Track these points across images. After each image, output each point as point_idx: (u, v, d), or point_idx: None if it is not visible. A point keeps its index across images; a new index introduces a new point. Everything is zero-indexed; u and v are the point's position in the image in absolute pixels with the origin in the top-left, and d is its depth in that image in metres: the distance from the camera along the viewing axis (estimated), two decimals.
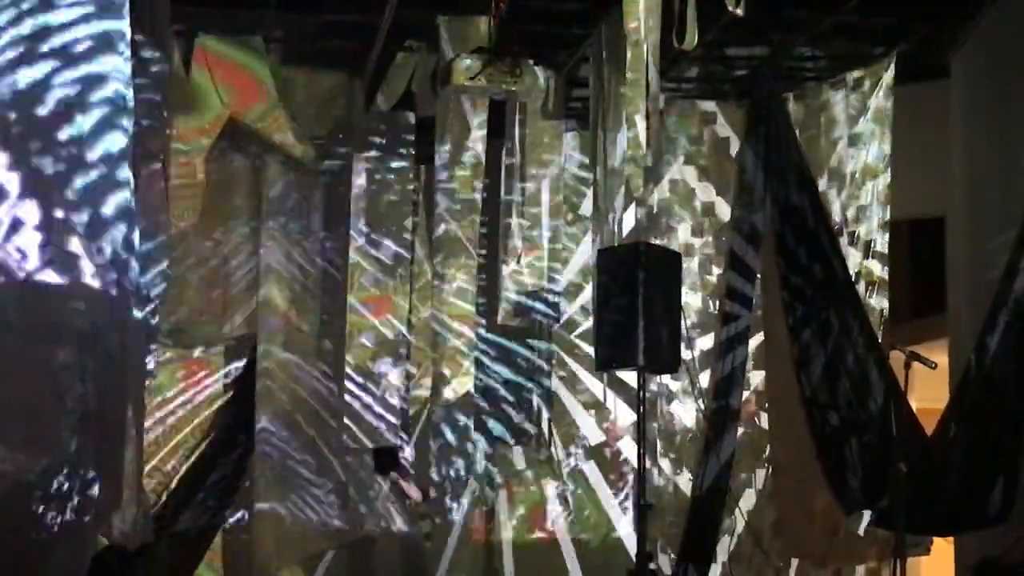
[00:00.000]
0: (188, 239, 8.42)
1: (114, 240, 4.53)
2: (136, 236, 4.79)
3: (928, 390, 8.68)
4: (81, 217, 4.43)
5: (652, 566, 7.05)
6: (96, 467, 4.34)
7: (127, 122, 4.69)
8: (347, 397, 8.48)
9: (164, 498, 8.37)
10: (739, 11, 6.26)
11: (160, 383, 8.48)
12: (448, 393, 8.55)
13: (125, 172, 4.65)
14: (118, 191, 4.58)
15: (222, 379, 8.70)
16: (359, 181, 8.57)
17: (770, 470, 8.82)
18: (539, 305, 8.71)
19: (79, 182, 4.49)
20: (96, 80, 4.62)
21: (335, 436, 8.58)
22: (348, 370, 8.50)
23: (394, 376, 8.61)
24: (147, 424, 8.29)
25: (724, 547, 8.60)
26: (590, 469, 9.07)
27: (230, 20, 8.17)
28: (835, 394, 7.97)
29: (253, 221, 8.70)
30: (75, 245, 4.41)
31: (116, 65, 4.68)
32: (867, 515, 7.54)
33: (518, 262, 8.69)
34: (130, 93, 4.75)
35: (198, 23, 8.15)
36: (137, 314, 4.82)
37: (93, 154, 4.53)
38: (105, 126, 4.60)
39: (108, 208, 4.51)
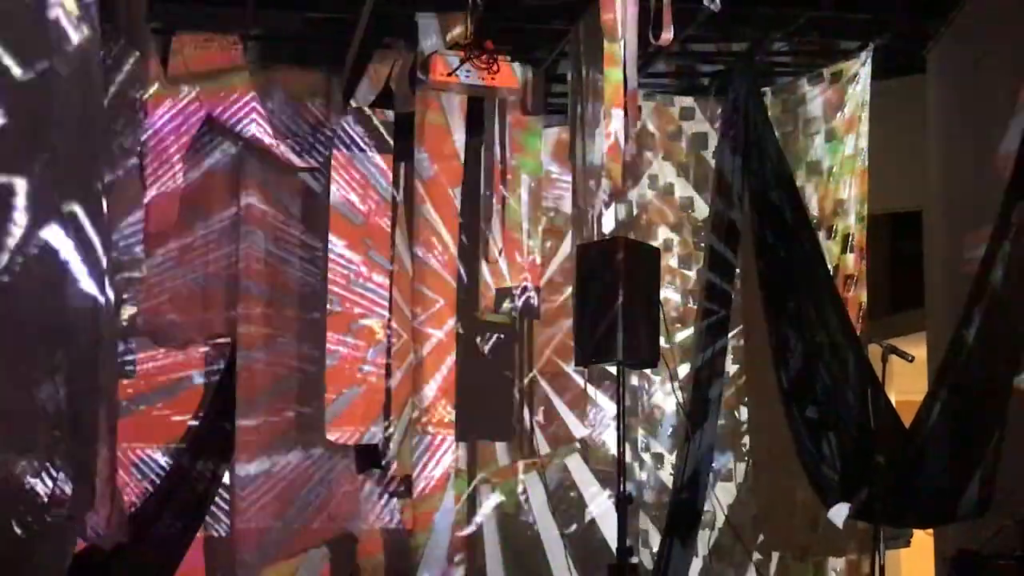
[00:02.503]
0: (166, 237, 8.40)
1: (86, 238, 4.52)
2: (108, 234, 4.78)
3: (906, 383, 8.73)
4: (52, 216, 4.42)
5: (633, 560, 7.07)
6: (69, 466, 4.33)
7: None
8: (328, 395, 8.48)
9: (144, 499, 8.36)
10: (715, 6, 6.28)
11: (138, 383, 8.47)
12: (430, 389, 8.56)
13: (98, 170, 4.64)
14: (90, 189, 4.57)
15: (202, 380, 8.69)
16: (338, 179, 8.57)
17: (750, 463, 8.85)
18: (519, 301, 8.73)
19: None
20: None
21: (317, 434, 8.57)
22: (328, 367, 8.50)
23: (375, 372, 8.60)
24: (126, 424, 8.30)
25: (704, 540, 8.64)
26: (572, 463, 9.08)
27: (208, 18, 8.17)
28: (813, 388, 7.99)
29: (231, 219, 8.69)
30: (46, 244, 4.39)
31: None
32: (846, 507, 7.57)
33: (498, 258, 8.71)
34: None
35: (176, 21, 8.15)
36: (109, 311, 4.80)
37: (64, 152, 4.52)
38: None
39: (80, 206, 4.49)
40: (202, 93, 8.26)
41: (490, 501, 9.09)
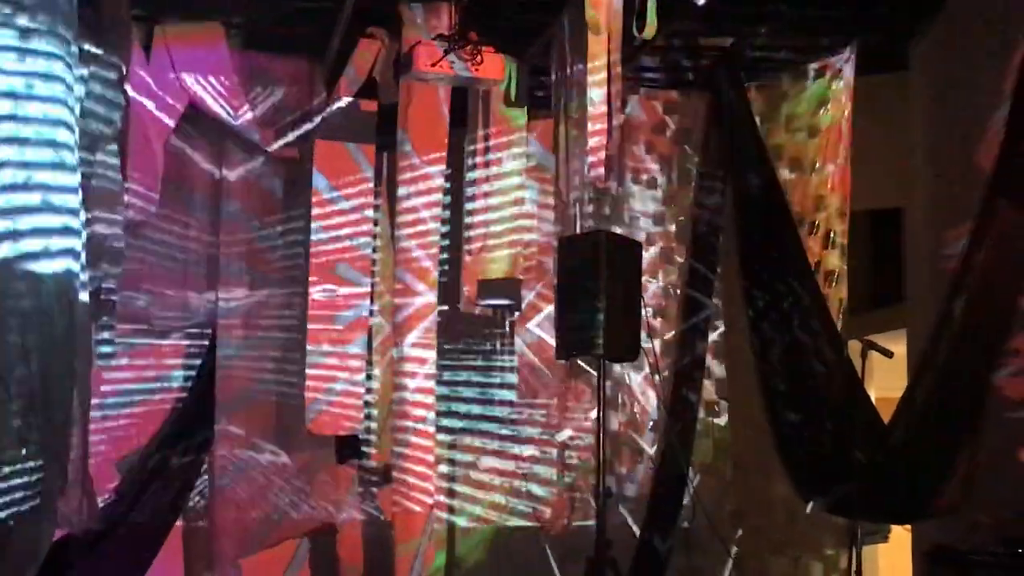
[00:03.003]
0: (147, 224, 8.37)
1: (61, 221, 4.50)
2: (83, 217, 4.76)
3: (887, 379, 8.75)
4: (26, 199, 4.40)
5: (612, 554, 7.08)
6: (41, 451, 4.31)
7: (74, 105, 4.66)
8: (309, 384, 8.46)
9: (122, 489, 8.32)
10: (700, 1, 6.28)
11: (118, 369, 8.44)
12: (411, 380, 8.54)
13: (73, 155, 4.62)
14: (65, 173, 4.55)
15: (181, 367, 8.66)
16: (320, 168, 8.55)
17: (729, 458, 8.87)
18: (500, 293, 8.72)
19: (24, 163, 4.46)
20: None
21: (298, 425, 8.56)
22: (310, 357, 8.49)
23: (357, 362, 8.59)
24: (104, 411, 8.29)
25: (683, 535, 8.64)
26: (551, 456, 9.07)
27: (190, 5, 8.13)
28: (794, 383, 8.01)
29: (213, 206, 8.66)
30: (19, 226, 4.37)
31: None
32: (825, 503, 7.59)
33: (480, 250, 8.70)
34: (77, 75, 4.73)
35: (158, 8, 8.11)
36: (84, 297, 4.79)
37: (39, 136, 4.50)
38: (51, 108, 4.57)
39: (55, 190, 4.47)
40: (184, 80, 8.22)
41: (470, 493, 9.08)
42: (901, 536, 8.31)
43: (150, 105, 8.14)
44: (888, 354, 6.92)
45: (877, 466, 7.04)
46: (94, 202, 6.99)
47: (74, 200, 4.74)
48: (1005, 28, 7.20)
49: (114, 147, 7.35)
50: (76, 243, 4.67)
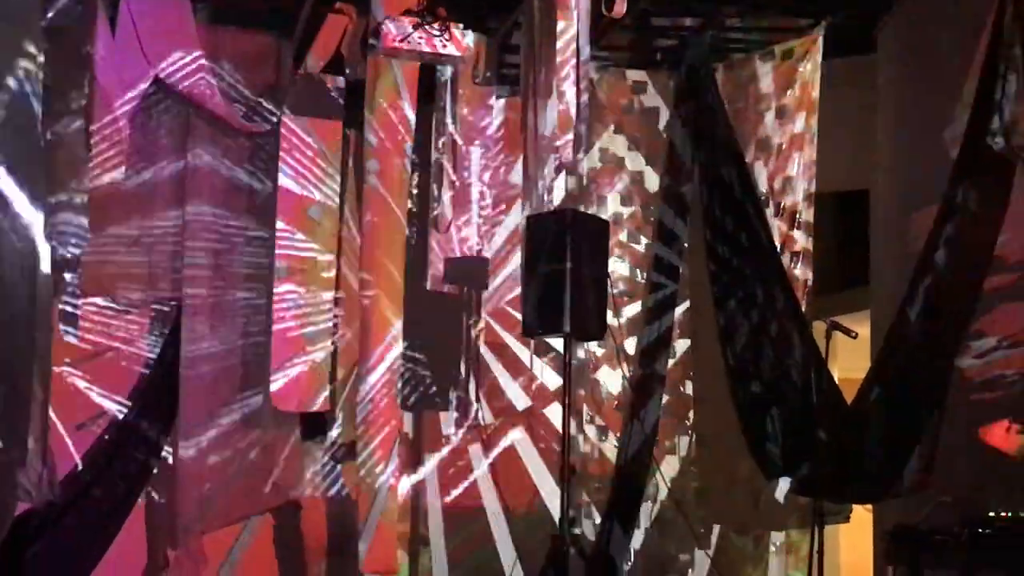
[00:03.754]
0: (114, 199, 8.30)
1: (21, 195, 4.46)
2: (43, 191, 4.73)
3: (851, 360, 8.79)
4: None
5: (576, 531, 7.11)
6: (1, 424, 4.28)
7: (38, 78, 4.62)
8: (274, 361, 8.44)
9: (84, 463, 8.27)
10: None
11: (82, 344, 8.38)
12: (375, 357, 8.54)
13: (37, 128, 4.58)
14: (29, 146, 4.51)
15: (145, 341, 8.61)
16: (287, 144, 8.51)
17: (693, 437, 8.90)
18: (467, 271, 8.71)
19: None
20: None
21: (262, 401, 8.53)
22: (275, 333, 8.46)
23: (322, 340, 8.58)
24: (67, 384, 8.23)
25: (647, 513, 8.68)
26: (516, 435, 9.09)
27: None
28: (758, 363, 8.04)
29: (179, 181, 8.59)
30: None
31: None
32: (787, 482, 7.63)
33: (447, 228, 8.69)
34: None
35: None
36: (46, 268, 4.75)
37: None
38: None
39: (17, 162, 4.43)
40: (151, 54, 8.16)
41: (433, 470, 9.08)
42: (862, 516, 8.37)
43: (115, 80, 8.07)
44: (852, 335, 6.96)
45: (840, 446, 7.08)
46: (58, 175, 6.95)
47: (38, 173, 4.70)
48: (971, 12, 7.24)
49: (79, 122, 7.30)
50: (39, 216, 4.63)
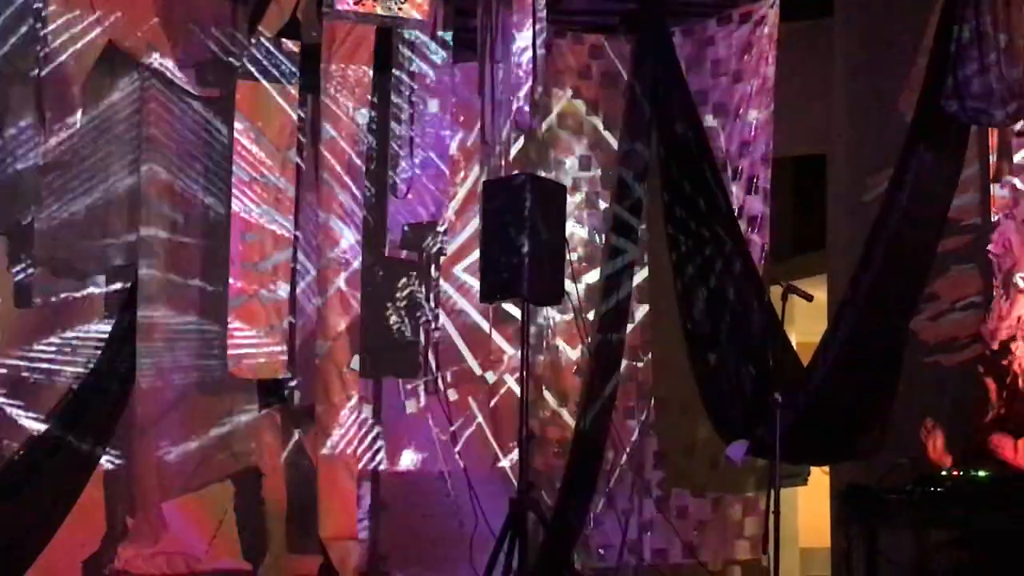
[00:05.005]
0: (66, 163, 8.22)
1: None
2: None
3: (808, 324, 8.85)
4: None
5: (534, 496, 7.14)
6: None
7: None
8: (232, 327, 8.40)
9: (43, 430, 8.22)
10: None
11: (38, 311, 8.31)
12: (333, 325, 8.52)
13: None
14: None
15: (102, 310, 8.54)
16: (242, 109, 8.45)
17: (652, 402, 8.94)
18: (425, 237, 8.70)
19: None
20: None
21: (220, 368, 8.50)
22: (232, 300, 8.43)
23: (280, 307, 8.55)
24: (25, 353, 8.18)
25: (606, 477, 8.71)
26: (475, 400, 9.09)
27: None
28: (716, 327, 8.08)
29: (134, 149, 8.52)
30: None
31: None
32: (744, 444, 7.68)
33: (406, 194, 8.67)
34: None
35: None
36: None
37: None
38: None
39: None
40: (104, 17, 8.07)
41: (393, 438, 9.07)
42: (819, 479, 8.45)
43: (69, 42, 7.98)
44: (808, 298, 7.00)
45: (796, 408, 7.14)
46: (10, 140, 6.88)
47: None
48: None
49: (31, 86, 7.23)
50: None
